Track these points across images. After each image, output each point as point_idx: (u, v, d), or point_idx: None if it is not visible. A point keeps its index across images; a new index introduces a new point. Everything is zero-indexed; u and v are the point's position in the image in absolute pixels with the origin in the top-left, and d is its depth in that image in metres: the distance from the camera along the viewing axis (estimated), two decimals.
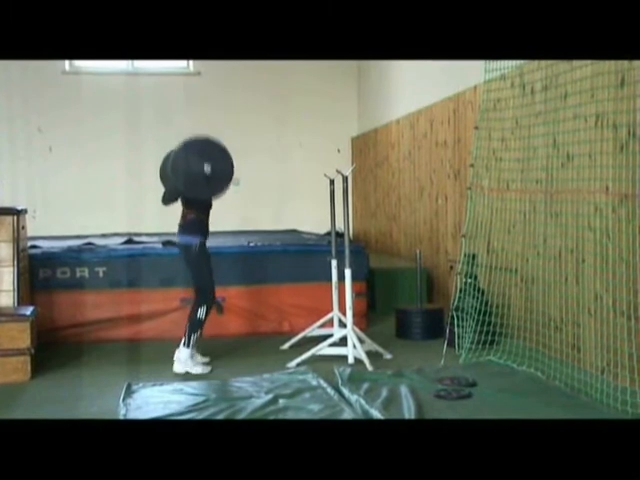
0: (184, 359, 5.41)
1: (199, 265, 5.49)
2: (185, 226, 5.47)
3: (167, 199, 5.65)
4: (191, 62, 10.67)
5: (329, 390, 4.63)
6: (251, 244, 7.10)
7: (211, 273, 5.52)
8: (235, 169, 5.43)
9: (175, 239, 5.61)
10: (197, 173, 5.24)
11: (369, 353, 5.54)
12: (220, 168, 5.31)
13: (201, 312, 5.45)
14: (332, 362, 5.37)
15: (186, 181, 5.30)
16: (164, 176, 5.78)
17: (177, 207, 5.61)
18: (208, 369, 5.46)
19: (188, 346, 5.42)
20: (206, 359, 5.63)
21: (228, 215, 8.47)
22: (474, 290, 5.72)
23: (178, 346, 5.45)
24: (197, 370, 5.39)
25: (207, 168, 5.22)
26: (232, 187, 5.44)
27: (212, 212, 5.60)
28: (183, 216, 5.51)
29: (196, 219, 5.44)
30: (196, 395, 4.64)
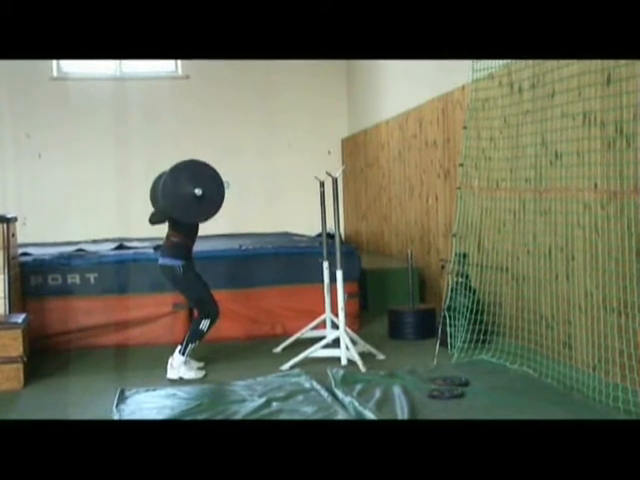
0: (177, 365, 5.39)
1: (189, 285, 5.50)
2: (167, 248, 5.47)
3: (155, 220, 5.65)
4: (180, 66, 10.66)
5: (322, 392, 4.64)
6: (243, 247, 7.10)
7: (205, 286, 5.51)
8: (225, 190, 5.42)
9: (159, 260, 5.56)
10: (187, 196, 5.25)
11: (362, 354, 5.55)
12: (210, 191, 5.32)
13: (204, 324, 5.44)
14: (325, 364, 5.38)
15: (176, 204, 5.30)
16: (154, 197, 5.78)
17: None
18: (202, 373, 5.46)
19: (184, 354, 5.40)
20: (200, 364, 5.63)
21: (219, 218, 8.45)
22: (466, 289, 5.73)
23: (173, 353, 5.43)
24: (190, 375, 5.38)
25: (198, 191, 5.24)
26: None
27: None
28: (167, 238, 5.51)
29: (179, 243, 5.43)
30: (189, 400, 4.64)
